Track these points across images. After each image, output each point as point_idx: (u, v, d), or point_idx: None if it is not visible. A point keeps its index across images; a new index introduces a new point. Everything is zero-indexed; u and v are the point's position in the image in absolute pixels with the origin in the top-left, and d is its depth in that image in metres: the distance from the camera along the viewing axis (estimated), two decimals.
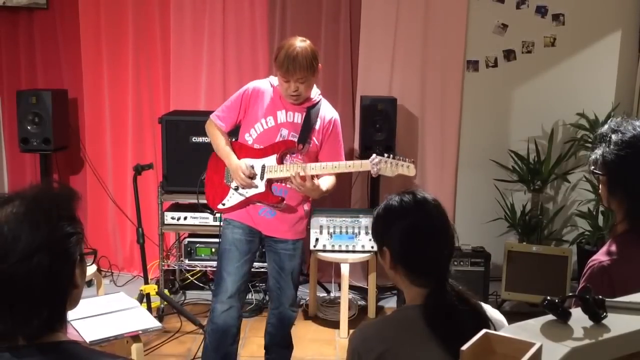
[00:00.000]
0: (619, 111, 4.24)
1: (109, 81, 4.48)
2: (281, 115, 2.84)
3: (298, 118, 2.86)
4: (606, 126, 1.71)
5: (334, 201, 4.49)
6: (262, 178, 2.86)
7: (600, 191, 1.75)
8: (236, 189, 2.91)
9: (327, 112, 2.94)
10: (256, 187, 2.87)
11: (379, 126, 4.06)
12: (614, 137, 1.66)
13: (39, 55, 4.55)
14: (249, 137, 2.88)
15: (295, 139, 2.86)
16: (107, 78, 4.48)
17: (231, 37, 4.39)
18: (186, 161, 3.96)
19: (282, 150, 2.85)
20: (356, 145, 4.36)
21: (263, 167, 2.87)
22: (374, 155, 2.79)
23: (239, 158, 2.88)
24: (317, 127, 2.89)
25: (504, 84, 4.52)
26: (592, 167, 1.72)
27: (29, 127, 4.16)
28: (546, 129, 4.51)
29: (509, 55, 4.48)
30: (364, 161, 2.84)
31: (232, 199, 2.93)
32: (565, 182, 4.53)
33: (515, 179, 4.47)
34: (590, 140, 4.31)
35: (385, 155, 2.80)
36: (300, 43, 2.73)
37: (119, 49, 4.45)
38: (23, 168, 4.68)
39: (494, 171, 4.53)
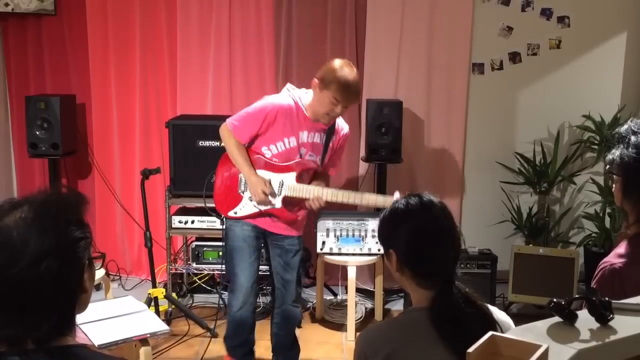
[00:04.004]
0: (625, 113, 4.23)
1: (116, 86, 4.51)
2: (302, 136, 2.89)
3: (317, 138, 2.93)
4: (625, 126, 1.69)
5: (341, 204, 4.49)
6: (279, 194, 2.92)
7: (613, 190, 1.74)
8: (251, 199, 2.94)
9: (342, 127, 3.02)
10: (273, 204, 2.92)
11: (384, 129, 4.07)
12: (633, 138, 1.64)
13: (47, 61, 4.58)
14: (267, 151, 2.90)
15: (313, 159, 2.94)
16: (115, 83, 4.50)
17: (237, 41, 4.41)
18: (193, 165, 3.97)
19: (302, 170, 2.92)
20: (362, 149, 4.36)
21: (281, 182, 2.91)
22: (397, 192, 2.84)
23: (255, 167, 2.91)
24: (331, 143, 2.98)
25: (509, 87, 4.52)
26: (608, 167, 1.71)
27: (37, 132, 4.18)
28: (552, 131, 4.50)
29: (515, 57, 4.48)
30: (388, 198, 2.89)
31: (245, 208, 2.96)
32: (571, 184, 4.52)
33: (522, 181, 4.46)
34: (596, 142, 4.30)
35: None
36: (352, 70, 2.81)
37: (126, 55, 4.47)
38: (32, 173, 4.71)
39: (500, 173, 4.52)
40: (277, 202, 2.92)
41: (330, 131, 2.94)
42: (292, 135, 2.86)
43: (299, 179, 2.92)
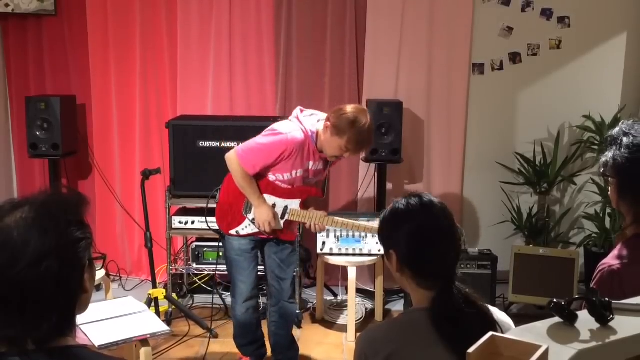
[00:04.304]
0: (625, 113, 4.23)
1: (116, 87, 4.51)
2: (308, 165, 2.95)
3: (320, 165, 3.00)
4: (617, 128, 1.70)
5: (341, 205, 4.51)
6: (282, 217, 2.97)
7: (609, 193, 1.75)
8: (254, 221, 2.97)
9: None
10: (275, 228, 2.98)
11: (385, 130, 4.07)
12: (625, 139, 1.65)
13: (48, 61, 4.58)
14: (273, 177, 2.93)
15: (313, 181, 3.01)
16: (115, 84, 4.50)
17: (238, 42, 4.41)
18: (194, 166, 3.98)
19: (307, 198, 2.98)
20: None
21: (285, 208, 2.96)
22: None
23: (261, 191, 2.93)
24: (330, 166, 3.09)
25: (509, 87, 4.52)
26: (602, 170, 1.71)
27: (37, 133, 4.19)
28: (552, 131, 4.50)
29: (515, 58, 4.48)
30: None
31: (248, 229, 3.00)
32: (571, 184, 4.52)
33: (522, 182, 4.46)
34: (596, 142, 4.30)
35: None
36: (368, 121, 2.83)
37: (126, 55, 4.48)
38: (32, 173, 4.71)
39: (501, 174, 4.52)
40: (279, 226, 2.98)
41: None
42: (300, 168, 2.92)
43: (303, 205, 2.98)
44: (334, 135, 2.81)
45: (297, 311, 3.29)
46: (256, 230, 2.98)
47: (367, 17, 4.37)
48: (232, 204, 3.00)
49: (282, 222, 2.97)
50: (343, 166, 4.50)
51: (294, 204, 2.95)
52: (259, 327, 3.23)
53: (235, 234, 3.01)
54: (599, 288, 1.58)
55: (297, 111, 2.97)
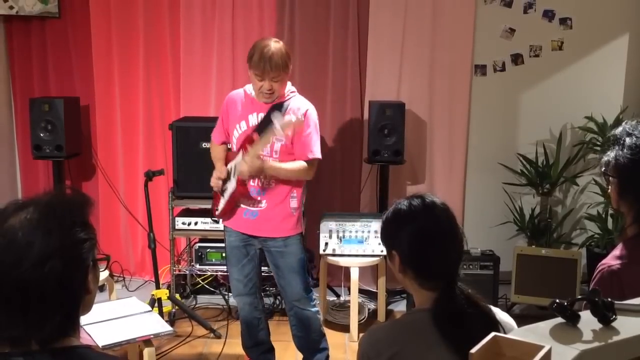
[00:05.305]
0: (627, 114, 4.23)
1: (120, 88, 4.52)
2: (252, 119, 2.92)
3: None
4: (620, 128, 1.70)
5: (343, 205, 4.51)
6: (233, 176, 2.95)
7: (609, 192, 1.75)
8: (222, 193, 3.02)
9: (300, 105, 2.92)
10: (227, 188, 2.99)
11: (387, 131, 4.07)
12: (628, 140, 1.65)
13: (52, 63, 4.59)
14: (231, 144, 3.01)
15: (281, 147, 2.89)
16: (118, 85, 4.52)
17: (240, 44, 4.42)
18: (196, 167, 3.98)
19: (243, 145, 2.88)
20: (365, 150, 4.36)
21: (233, 167, 2.97)
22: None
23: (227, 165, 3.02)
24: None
25: (511, 88, 4.52)
26: (604, 169, 1.72)
27: (41, 134, 4.20)
28: (554, 133, 4.50)
29: (517, 59, 4.48)
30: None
31: (222, 202, 3.04)
32: (574, 185, 4.52)
33: (524, 183, 4.46)
34: (599, 143, 4.29)
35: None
36: (274, 43, 2.82)
37: (129, 57, 4.49)
38: (36, 175, 4.72)
39: (503, 175, 4.52)
40: (232, 183, 2.92)
41: (276, 107, 2.86)
42: (242, 120, 2.93)
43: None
44: (249, 70, 2.84)
45: (319, 316, 3.19)
46: (225, 199, 2.97)
47: (370, 19, 4.38)
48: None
49: (234, 179, 2.90)
50: (345, 167, 4.51)
51: (238, 158, 2.88)
52: (263, 329, 3.23)
53: (217, 212, 3.07)
54: (599, 288, 1.58)
55: None
